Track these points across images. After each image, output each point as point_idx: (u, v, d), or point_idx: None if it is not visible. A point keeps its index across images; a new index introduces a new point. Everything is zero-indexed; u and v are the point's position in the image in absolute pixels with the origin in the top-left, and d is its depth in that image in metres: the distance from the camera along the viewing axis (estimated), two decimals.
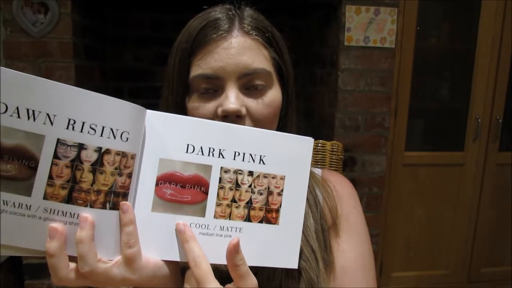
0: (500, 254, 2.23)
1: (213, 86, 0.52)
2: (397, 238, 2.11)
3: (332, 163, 0.91)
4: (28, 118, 0.36)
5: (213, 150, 0.45)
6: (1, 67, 0.35)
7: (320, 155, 0.93)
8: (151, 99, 2.00)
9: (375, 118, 1.82)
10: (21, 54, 1.51)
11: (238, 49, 0.51)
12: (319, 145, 0.92)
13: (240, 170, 0.46)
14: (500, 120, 2.05)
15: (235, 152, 0.45)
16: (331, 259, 0.57)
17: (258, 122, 0.52)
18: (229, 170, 0.45)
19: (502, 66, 2.01)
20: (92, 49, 1.78)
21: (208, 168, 0.45)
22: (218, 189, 0.45)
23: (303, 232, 0.48)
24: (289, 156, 0.47)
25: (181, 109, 0.54)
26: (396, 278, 2.14)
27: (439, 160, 2.08)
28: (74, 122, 0.38)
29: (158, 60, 2.05)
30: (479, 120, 2.04)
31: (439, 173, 2.08)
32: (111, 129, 0.40)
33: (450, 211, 2.13)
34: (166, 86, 0.56)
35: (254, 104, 0.52)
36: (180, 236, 0.43)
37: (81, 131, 0.38)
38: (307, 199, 0.58)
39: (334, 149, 0.91)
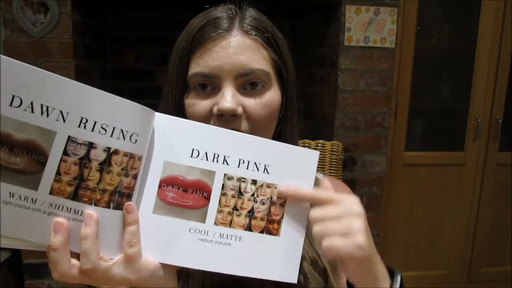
0: (500, 254, 2.23)
1: (211, 85, 0.52)
2: (397, 238, 2.11)
3: (332, 163, 0.91)
4: (42, 113, 0.36)
5: (218, 156, 0.45)
6: (18, 61, 0.35)
7: (320, 155, 0.92)
8: (151, 99, 1.97)
9: (375, 118, 1.82)
10: (21, 54, 1.50)
11: (237, 48, 0.51)
12: (319, 145, 0.92)
13: (243, 178, 0.45)
14: (500, 120, 2.05)
15: (239, 160, 0.45)
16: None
17: (254, 122, 0.52)
18: (233, 177, 0.45)
19: (502, 66, 2.01)
20: (92, 49, 1.78)
21: (211, 173, 0.44)
22: (220, 195, 0.45)
23: (307, 236, 0.47)
24: (294, 167, 0.46)
25: (180, 107, 0.54)
26: None
27: (439, 160, 2.08)
28: (86, 120, 0.38)
29: (158, 60, 2.04)
30: (479, 120, 2.04)
31: (439, 173, 2.08)
32: (122, 130, 0.40)
33: (450, 211, 2.13)
34: (166, 84, 0.56)
35: (251, 104, 0.52)
36: None
37: (92, 130, 0.39)
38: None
39: (334, 149, 0.91)
